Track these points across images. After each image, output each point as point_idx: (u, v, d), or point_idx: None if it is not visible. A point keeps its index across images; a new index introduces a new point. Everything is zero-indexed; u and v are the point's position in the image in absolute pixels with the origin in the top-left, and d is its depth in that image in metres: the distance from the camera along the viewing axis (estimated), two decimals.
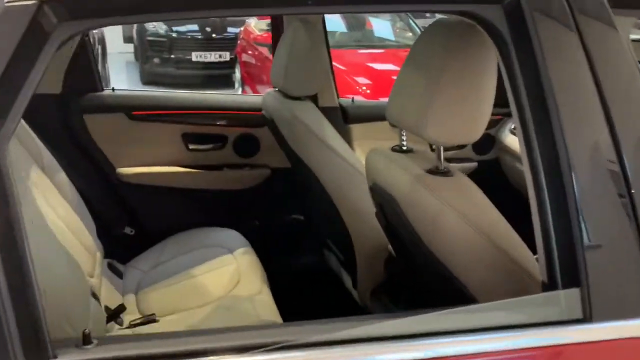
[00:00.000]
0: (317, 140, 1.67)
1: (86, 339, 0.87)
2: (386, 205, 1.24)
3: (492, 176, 2.44)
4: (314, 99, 2.17)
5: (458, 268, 1.04)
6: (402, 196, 1.13)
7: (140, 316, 1.74)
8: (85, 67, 2.00)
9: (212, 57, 7.64)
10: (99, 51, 5.89)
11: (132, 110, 2.08)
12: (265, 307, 1.73)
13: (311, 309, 2.23)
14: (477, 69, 1.05)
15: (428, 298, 1.47)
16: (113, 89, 2.10)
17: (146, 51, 8.04)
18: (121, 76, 8.33)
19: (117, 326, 1.69)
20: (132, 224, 2.19)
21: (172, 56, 7.82)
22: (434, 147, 1.17)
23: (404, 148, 1.28)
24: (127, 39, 9.47)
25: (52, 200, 1.72)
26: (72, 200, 1.86)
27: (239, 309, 1.69)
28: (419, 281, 1.42)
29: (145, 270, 2.02)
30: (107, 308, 1.71)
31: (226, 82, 7.26)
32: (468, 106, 1.04)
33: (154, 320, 1.69)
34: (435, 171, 1.11)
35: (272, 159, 2.28)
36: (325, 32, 2.23)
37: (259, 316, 1.66)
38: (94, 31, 5.73)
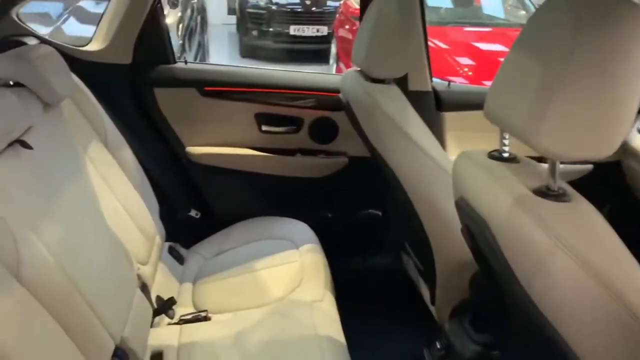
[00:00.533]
0: (397, 130, 1.42)
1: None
2: (475, 228, 0.97)
3: (611, 183, 2.04)
4: (402, 80, 1.91)
5: (567, 329, 0.76)
6: (497, 223, 0.86)
7: (194, 311, 1.61)
8: (157, 38, 1.87)
9: (309, 31, 7.45)
10: (198, 21, 5.91)
11: (204, 85, 1.93)
12: (326, 317, 1.53)
13: (380, 321, 2.04)
14: (617, 56, 0.74)
15: (521, 337, 1.18)
16: (185, 62, 1.96)
17: (246, 23, 8.02)
18: (221, 48, 8.43)
19: (167, 319, 1.57)
20: (198, 207, 2.07)
21: (271, 29, 7.73)
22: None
23: (505, 155, 0.99)
24: (231, 11, 9.55)
25: (112, 178, 1.63)
26: (135, 178, 1.75)
27: (296, 316, 1.50)
28: (511, 315, 1.14)
29: (207, 258, 1.89)
30: (159, 298, 1.60)
31: (321, 57, 7.06)
32: (603, 106, 0.74)
33: (205, 319, 1.55)
34: (546, 192, 0.82)
35: (351, 146, 2.06)
36: (422, 5, 1.94)
37: (316, 328, 1.46)
38: (193, 1, 5.75)
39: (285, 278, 1.70)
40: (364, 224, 2.17)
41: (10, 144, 1.14)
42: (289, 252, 1.81)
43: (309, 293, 1.61)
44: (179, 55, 4.07)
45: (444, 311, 1.60)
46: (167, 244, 1.86)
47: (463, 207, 1.00)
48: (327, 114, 2.01)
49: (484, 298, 1.42)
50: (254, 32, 7.95)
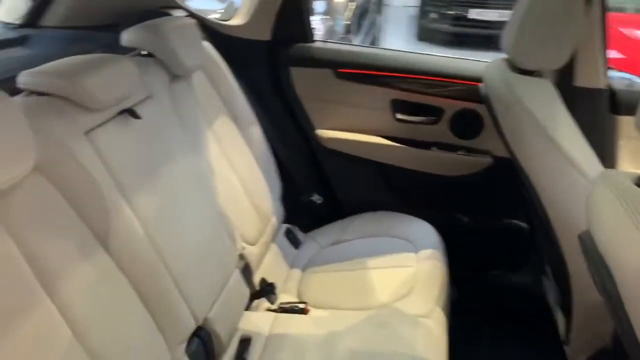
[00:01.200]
0: (538, 131, 1.17)
1: None
2: (596, 275, 0.73)
3: None
4: (566, 74, 1.60)
5: None
6: (625, 279, 0.62)
7: (295, 300, 1.55)
8: (297, 15, 1.81)
9: (491, 15, 6.92)
10: (374, 1, 5.83)
11: (339, 67, 1.83)
12: (429, 336, 1.35)
13: (498, 351, 1.77)
14: None
15: None
16: (324, 41, 1.88)
17: (425, 5, 7.77)
18: (398, 30, 8.29)
19: (267, 304, 1.54)
20: (322, 192, 2.00)
21: (451, 12, 7.37)
22: None
23: None
24: None
25: (235, 155, 1.62)
26: (260, 157, 1.73)
27: (396, 329, 1.35)
28: None
29: (323, 246, 1.82)
30: (263, 281, 1.57)
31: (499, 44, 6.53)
32: None
33: (303, 311, 1.48)
34: None
35: (496, 145, 1.79)
36: None
37: (414, 347, 1.30)
38: None
39: (395, 283, 1.55)
40: (505, 235, 1.90)
41: (120, 113, 1.17)
42: (406, 254, 1.66)
43: (416, 305, 1.45)
44: (343, 35, 4.06)
45: (579, 357, 1.33)
46: (284, 226, 1.82)
47: (585, 243, 0.76)
48: (472, 105, 1.78)
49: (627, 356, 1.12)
50: (433, 15, 7.67)
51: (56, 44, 1.57)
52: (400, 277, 1.57)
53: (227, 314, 1.33)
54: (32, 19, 1.63)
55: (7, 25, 1.65)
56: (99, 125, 1.10)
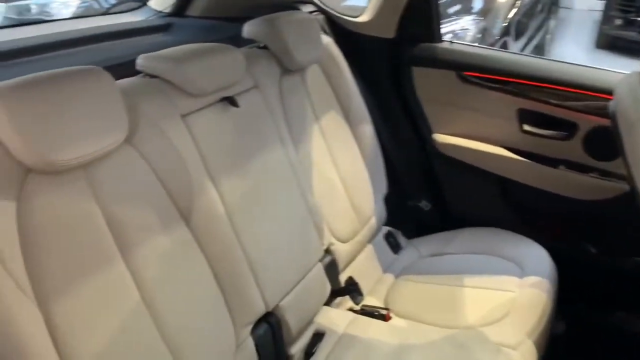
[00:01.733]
0: None
1: None
2: None
3: None
4: None
5: None
6: None
7: (378, 305, 1.52)
8: (424, 14, 1.74)
9: None
10: (545, 2, 5.40)
11: (464, 69, 1.72)
12: None
13: None
14: None
15: None
16: (451, 42, 1.78)
17: (610, 10, 7.00)
18: (574, 35, 7.62)
19: (350, 303, 1.53)
20: (431, 199, 1.91)
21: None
22: None
23: None
24: None
25: (339, 151, 1.63)
26: (368, 155, 1.72)
27: (473, 355, 1.26)
28: None
29: (423, 255, 1.75)
30: (350, 279, 1.56)
31: None
32: None
33: (383, 317, 1.45)
34: None
35: None
36: None
37: None
38: None
39: (488, 306, 1.43)
40: (634, 274, 1.65)
41: (221, 100, 1.23)
42: (509, 277, 1.52)
43: (505, 333, 1.32)
44: (497, 37, 3.81)
45: None
46: (385, 229, 1.79)
47: None
48: (609, 122, 1.56)
49: None
50: (618, 21, 6.90)
51: (192, 32, 1.70)
52: (497, 300, 1.45)
53: (302, 305, 1.34)
54: (179, 8, 1.79)
55: (158, 12, 1.83)
56: (198, 110, 1.18)
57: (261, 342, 1.21)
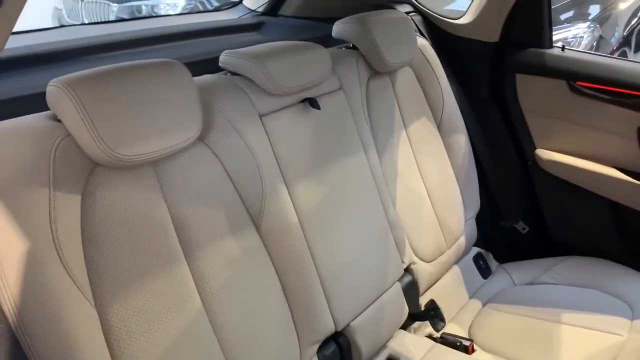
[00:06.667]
0: None
1: None
2: None
3: None
4: None
5: None
6: None
7: (461, 335, 1.38)
8: (534, 17, 1.57)
9: None
10: None
11: (577, 79, 1.53)
12: None
13: None
14: None
15: None
16: (563, 48, 1.59)
17: None
18: None
19: (429, 329, 1.41)
20: (529, 221, 1.72)
21: None
22: None
23: None
24: None
25: (428, 161, 1.51)
26: (460, 167, 1.58)
27: None
28: None
29: (516, 282, 1.59)
30: (431, 302, 1.43)
31: None
32: None
33: (466, 350, 1.31)
34: None
35: None
36: None
37: None
38: None
39: (590, 349, 1.25)
40: None
41: (302, 101, 1.16)
42: (617, 318, 1.32)
43: None
44: (614, 47, 3.47)
45: None
46: (475, 250, 1.64)
47: None
48: None
49: None
50: None
51: (283, 32, 1.66)
52: (601, 344, 1.26)
53: (375, 328, 1.24)
54: (272, 7, 1.76)
55: (251, 11, 1.81)
56: (277, 110, 1.11)
57: None
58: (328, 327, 1.12)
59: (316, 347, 1.11)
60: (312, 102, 1.16)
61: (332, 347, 1.15)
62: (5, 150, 0.77)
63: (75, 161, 0.81)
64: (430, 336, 1.38)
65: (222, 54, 1.14)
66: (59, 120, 0.83)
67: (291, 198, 1.09)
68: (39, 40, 1.17)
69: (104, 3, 3.92)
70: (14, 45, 1.09)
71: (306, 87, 1.16)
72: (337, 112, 1.24)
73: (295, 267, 1.08)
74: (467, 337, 1.37)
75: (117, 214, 0.85)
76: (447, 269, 1.52)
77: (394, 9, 1.64)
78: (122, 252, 0.84)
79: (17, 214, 0.75)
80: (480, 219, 1.62)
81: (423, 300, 1.42)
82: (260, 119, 1.08)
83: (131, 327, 0.83)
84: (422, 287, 1.40)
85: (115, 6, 3.90)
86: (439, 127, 1.56)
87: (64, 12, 4.23)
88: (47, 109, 0.84)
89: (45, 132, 0.81)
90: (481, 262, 1.63)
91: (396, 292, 1.30)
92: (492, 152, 1.72)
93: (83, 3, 4.08)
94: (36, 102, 0.88)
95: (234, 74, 1.12)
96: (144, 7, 4.16)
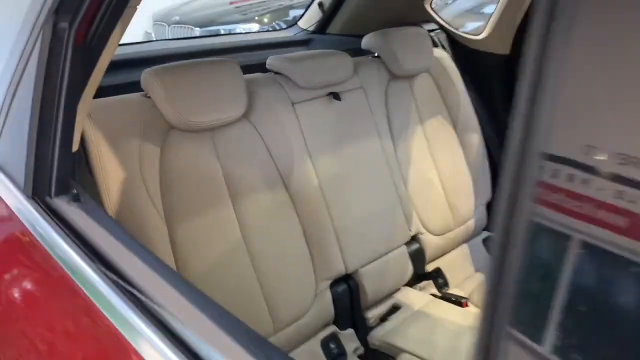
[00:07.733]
0: None
1: None
2: None
3: None
4: None
5: None
6: None
7: (461, 294, 1.63)
8: None
9: None
10: None
11: None
12: None
13: None
14: None
15: None
16: None
17: None
18: None
19: (434, 289, 1.67)
20: None
21: None
22: None
23: None
24: None
25: (442, 153, 1.78)
26: (473, 162, 1.84)
27: None
28: None
29: None
30: (436, 269, 1.70)
31: None
32: None
33: (460, 304, 1.57)
34: None
35: None
36: None
37: None
38: None
39: None
40: None
41: (328, 94, 1.50)
42: None
43: None
44: None
45: None
46: (485, 233, 1.88)
47: None
48: None
49: None
50: None
51: (327, 46, 2.00)
52: None
53: (381, 278, 1.52)
54: (321, 27, 2.11)
55: (304, 30, 2.18)
56: (306, 100, 1.46)
57: (338, 298, 1.43)
58: (339, 268, 1.43)
59: (328, 282, 1.42)
60: (335, 95, 1.49)
61: (343, 286, 1.45)
62: (115, 115, 1.16)
63: (157, 125, 1.19)
64: (432, 294, 1.64)
65: (269, 58, 1.50)
66: (149, 97, 1.21)
67: (314, 167, 1.42)
68: (138, 49, 1.59)
69: (188, 27, 4.48)
70: (123, 52, 1.51)
71: (331, 83, 1.49)
72: (356, 105, 1.56)
73: (315, 220, 1.40)
74: (464, 296, 1.62)
75: (184, 164, 1.21)
76: (456, 245, 1.78)
77: (421, 27, 1.94)
78: (187, 192, 1.21)
79: (122, 157, 1.13)
80: (491, 208, 1.87)
81: (430, 268, 1.68)
82: (293, 105, 1.42)
83: (189, 243, 1.19)
84: (428, 255, 1.67)
85: (197, 30, 4.44)
86: (455, 126, 1.83)
87: (153, 35, 4.85)
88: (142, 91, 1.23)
89: (139, 105, 1.19)
90: (489, 244, 1.87)
91: (402, 253, 1.59)
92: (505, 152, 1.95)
93: (170, 27, 4.67)
94: (136, 87, 1.27)
95: (276, 73, 1.48)
96: (222, 31, 4.69)
